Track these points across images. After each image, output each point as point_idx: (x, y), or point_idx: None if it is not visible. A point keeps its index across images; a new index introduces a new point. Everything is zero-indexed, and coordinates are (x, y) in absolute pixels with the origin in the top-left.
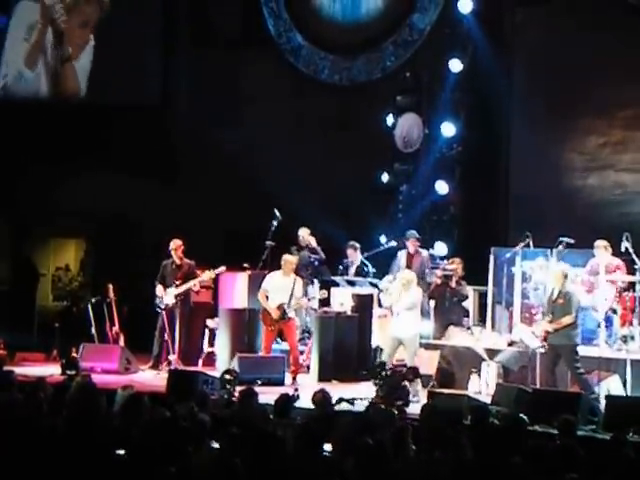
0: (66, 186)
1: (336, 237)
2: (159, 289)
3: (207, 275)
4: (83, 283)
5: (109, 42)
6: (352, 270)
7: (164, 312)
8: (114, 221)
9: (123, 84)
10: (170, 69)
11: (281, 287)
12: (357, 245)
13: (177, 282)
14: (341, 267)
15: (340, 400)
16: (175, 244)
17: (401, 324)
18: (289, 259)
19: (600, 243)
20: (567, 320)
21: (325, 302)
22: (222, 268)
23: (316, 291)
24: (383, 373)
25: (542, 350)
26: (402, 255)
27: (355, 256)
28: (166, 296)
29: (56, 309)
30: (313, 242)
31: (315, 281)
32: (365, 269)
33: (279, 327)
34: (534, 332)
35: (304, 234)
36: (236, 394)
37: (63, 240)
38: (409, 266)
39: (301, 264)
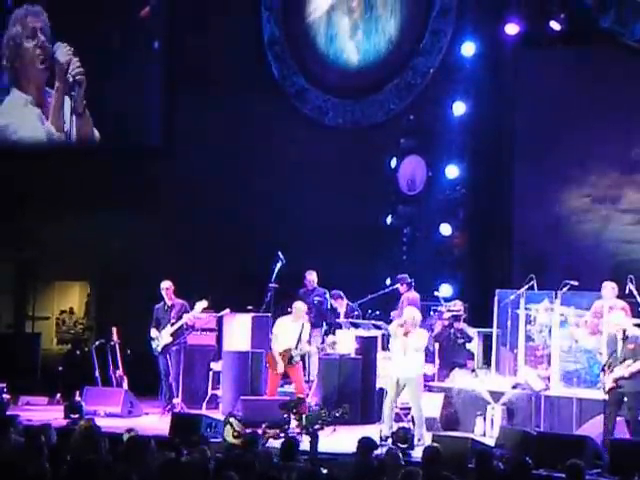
0: (70, 229)
1: (341, 279)
2: (154, 332)
3: (199, 306)
4: (87, 326)
5: (110, 87)
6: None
7: (163, 355)
8: (118, 264)
9: (125, 128)
10: (172, 113)
11: (289, 331)
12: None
13: (172, 321)
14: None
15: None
16: (165, 285)
17: (407, 365)
18: (298, 306)
19: (607, 284)
20: None
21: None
22: (226, 310)
23: (326, 336)
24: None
25: (546, 392)
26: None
27: (342, 305)
28: (162, 338)
29: (60, 352)
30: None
31: (328, 325)
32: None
33: (285, 371)
34: (605, 383)
35: (314, 278)
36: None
37: (67, 283)
38: None
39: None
